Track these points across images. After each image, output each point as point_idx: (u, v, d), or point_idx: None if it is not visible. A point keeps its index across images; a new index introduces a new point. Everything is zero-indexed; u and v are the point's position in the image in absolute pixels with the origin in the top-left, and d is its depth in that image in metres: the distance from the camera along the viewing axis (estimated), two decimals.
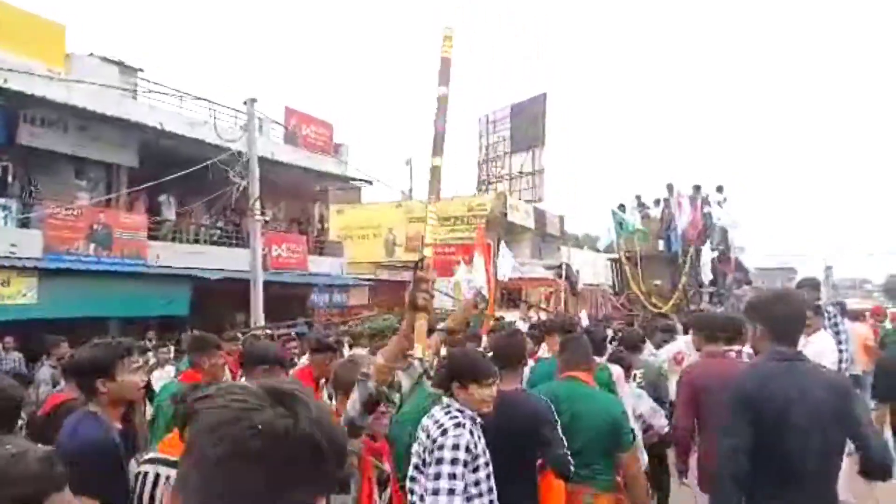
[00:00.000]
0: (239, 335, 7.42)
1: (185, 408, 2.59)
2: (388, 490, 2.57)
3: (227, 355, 4.75)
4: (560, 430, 2.96)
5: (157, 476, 2.49)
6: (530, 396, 3.18)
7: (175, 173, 12.33)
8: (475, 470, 2.49)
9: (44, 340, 8.24)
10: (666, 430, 4.42)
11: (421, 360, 2.42)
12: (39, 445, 1.40)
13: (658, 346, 6.34)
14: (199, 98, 14.96)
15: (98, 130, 13.72)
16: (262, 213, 12.42)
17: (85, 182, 14.37)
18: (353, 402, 2.16)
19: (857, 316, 9.85)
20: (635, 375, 4.85)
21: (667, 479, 4.96)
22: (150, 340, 9.62)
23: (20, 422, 3.27)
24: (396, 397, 2.18)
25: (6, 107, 12.17)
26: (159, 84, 14.98)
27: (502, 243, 13.10)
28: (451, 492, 2.39)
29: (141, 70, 15.22)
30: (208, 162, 12.27)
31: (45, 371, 7.57)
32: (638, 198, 18.39)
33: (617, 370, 4.36)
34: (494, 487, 2.55)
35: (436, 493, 2.40)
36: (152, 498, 2.43)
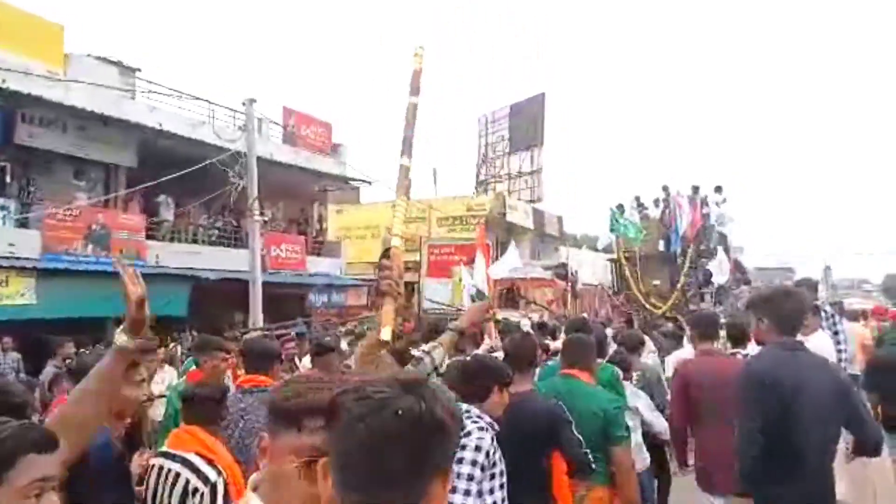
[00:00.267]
0: (238, 335, 7.44)
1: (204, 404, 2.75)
2: None
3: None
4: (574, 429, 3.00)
5: (161, 468, 2.53)
6: (543, 398, 3.21)
7: (173, 173, 12.32)
8: (491, 477, 2.49)
9: (48, 341, 8.24)
10: (665, 436, 4.45)
11: (430, 355, 2.51)
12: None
13: (667, 353, 6.36)
14: (197, 98, 14.96)
15: (96, 131, 13.70)
16: (261, 214, 12.41)
17: (83, 182, 14.36)
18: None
19: (855, 316, 9.86)
20: (632, 377, 4.87)
21: (666, 476, 4.98)
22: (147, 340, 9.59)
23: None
24: None
25: (4, 107, 12.17)
26: (158, 84, 14.98)
27: (511, 244, 13.12)
28: (467, 493, 2.39)
29: (139, 70, 15.21)
30: (207, 162, 12.26)
31: (49, 371, 7.57)
32: (637, 198, 18.40)
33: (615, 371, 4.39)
34: (507, 498, 2.55)
35: (452, 491, 2.38)
36: (156, 489, 2.47)
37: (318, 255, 19.09)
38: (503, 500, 2.53)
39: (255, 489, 1.24)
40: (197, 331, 11.80)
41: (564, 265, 18.43)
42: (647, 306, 15.61)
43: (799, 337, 4.70)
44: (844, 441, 3.13)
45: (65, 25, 13.22)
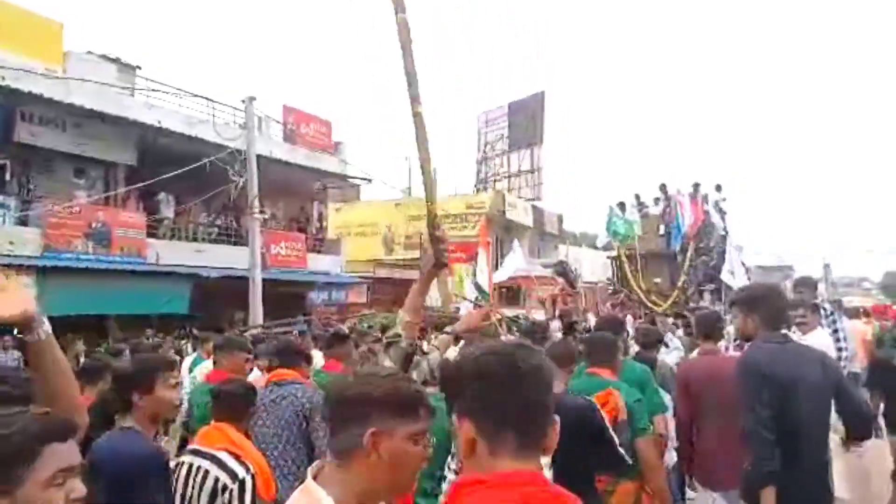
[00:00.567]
0: (238, 333, 7.48)
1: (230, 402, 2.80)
2: None
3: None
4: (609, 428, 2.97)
5: (191, 466, 2.56)
6: (577, 398, 3.19)
7: (173, 171, 12.32)
8: None
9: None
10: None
11: (427, 359, 2.50)
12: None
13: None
14: (197, 96, 14.94)
15: (96, 129, 13.70)
16: (262, 212, 12.41)
17: (83, 180, 14.36)
18: (391, 363, 2.17)
19: (854, 313, 9.88)
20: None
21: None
22: (148, 339, 9.63)
23: None
24: None
25: (4, 105, 12.16)
26: (157, 82, 14.97)
27: (515, 242, 13.13)
28: None
29: (139, 68, 15.22)
30: (207, 160, 12.26)
31: None
32: (637, 197, 18.40)
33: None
34: None
35: None
36: (185, 487, 2.51)
37: (319, 252, 19.10)
38: None
39: (314, 477, 1.34)
40: (197, 329, 11.81)
41: (564, 263, 18.45)
42: (648, 304, 15.62)
43: (798, 335, 4.77)
44: (836, 433, 3.24)
45: (64, 23, 13.21)
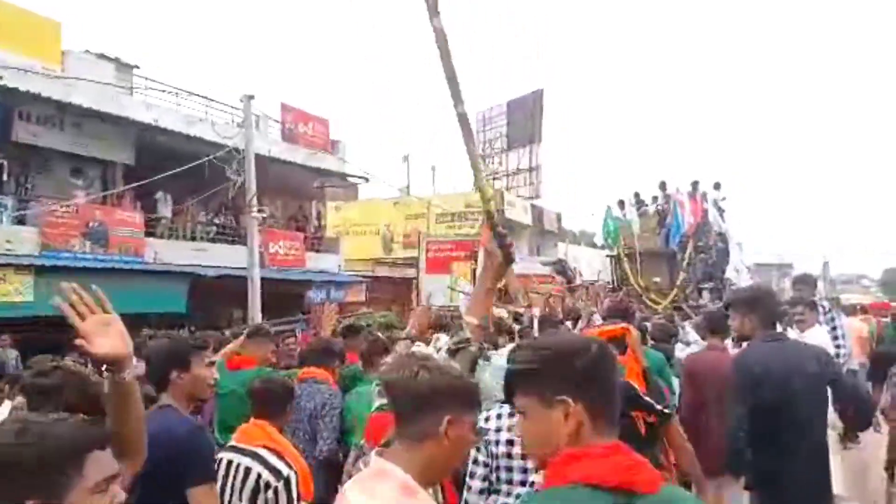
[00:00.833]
0: (239, 332, 7.47)
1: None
2: None
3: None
4: None
5: (230, 463, 2.56)
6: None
7: (171, 170, 12.31)
8: None
9: (47, 339, 8.24)
10: None
11: (477, 343, 2.47)
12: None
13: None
14: (195, 95, 14.95)
15: (94, 127, 13.68)
16: (260, 210, 12.39)
17: (81, 179, 14.34)
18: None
19: (852, 310, 9.89)
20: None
21: None
22: (148, 338, 9.61)
23: None
24: None
25: (1, 104, 12.13)
26: (155, 81, 14.96)
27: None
28: None
29: (137, 67, 15.20)
30: (205, 159, 12.24)
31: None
32: (637, 195, 18.39)
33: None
34: None
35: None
36: (224, 484, 2.50)
37: (317, 251, 19.09)
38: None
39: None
40: (196, 328, 11.81)
41: (563, 261, 18.45)
42: (648, 302, 15.62)
43: (797, 332, 4.79)
44: (834, 429, 3.33)
45: (62, 22, 13.19)
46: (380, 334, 5.82)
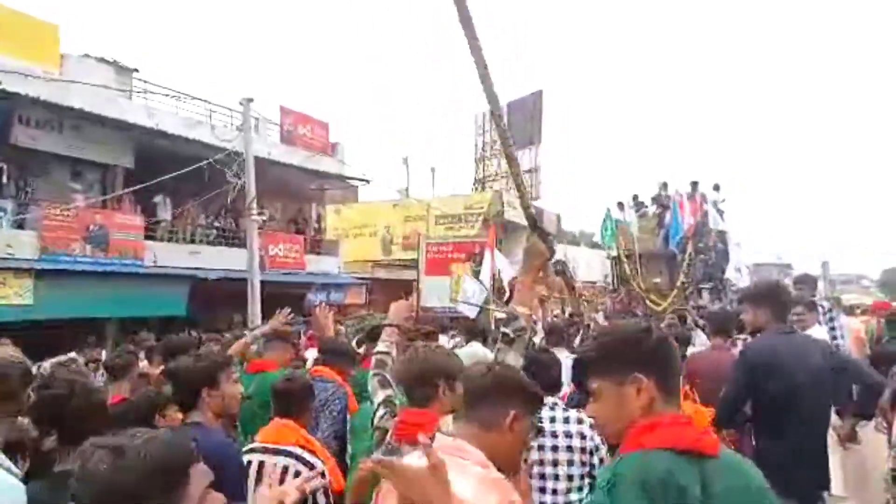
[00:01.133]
0: (239, 335, 7.50)
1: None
2: None
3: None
4: None
5: (262, 464, 2.59)
6: None
7: (171, 174, 12.31)
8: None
9: (47, 342, 8.25)
10: None
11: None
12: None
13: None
14: (194, 98, 14.96)
15: (93, 131, 13.68)
16: (260, 213, 12.39)
17: (80, 183, 14.34)
18: (517, 357, 2.30)
19: (850, 310, 9.88)
20: None
21: None
22: (138, 343, 9.59)
23: None
24: None
25: (0, 108, 12.14)
26: (155, 84, 14.97)
27: (490, 253, 13.14)
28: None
29: (136, 70, 15.18)
30: (204, 162, 12.25)
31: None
32: (635, 197, 18.39)
33: None
34: None
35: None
36: (258, 483, 2.52)
37: (317, 253, 19.09)
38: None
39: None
40: (196, 331, 11.80)
41: (562, 262, 18.43)
42: (648, 303, 15.62)
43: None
44: (833, 429, 3.40)
45: (60, 25, 13.20)
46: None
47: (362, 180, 21.05)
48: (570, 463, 2.74)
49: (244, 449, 2.75)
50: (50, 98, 12.22)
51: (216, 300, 14.44)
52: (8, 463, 1.62)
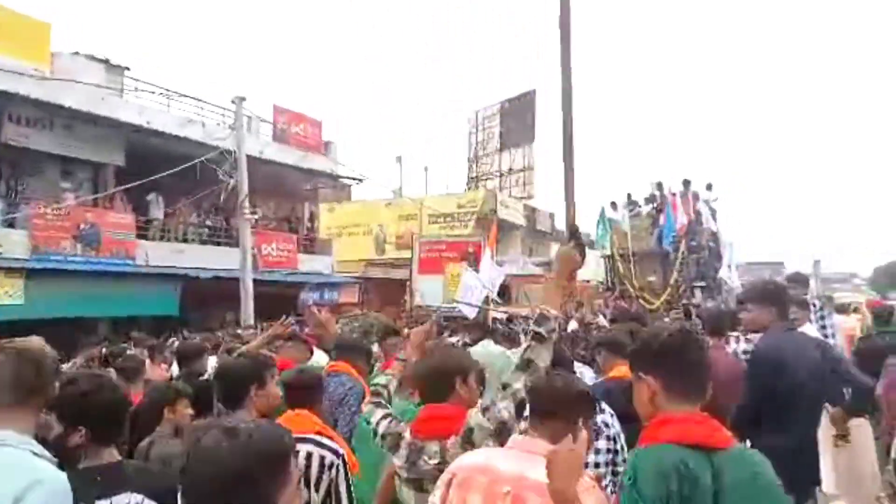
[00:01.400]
0: (236, 334, 7.54)
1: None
2: None
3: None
4: None
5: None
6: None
7: (163, 172, 12.26)
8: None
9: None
10: None
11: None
12: None
13: None
14: (186, 96, 14.90)
15: (84, 129, 13.61)
16: (252, 212, 12.36)
17: (71, 182, 14.26)
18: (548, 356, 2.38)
19: (843, 309, 9.93)
20: None
21: None
22: (133, 342, 9.56)
23: None
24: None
25: None
26: (146, 83, 14.90)
27: (486, 254, 13.19)
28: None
29: (127, 69, 15.11)
30: (196, 161, 12.20)
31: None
32: (629, 196, 18.44)
33: None
34: None
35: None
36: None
37: (310, 252, 19.05)
38: None
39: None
40: (188, 330, 11.75)
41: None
42: (642, 301, 15.66)
43: None
44: (833, 422, 3.45)
45: (51, 24, 13.11)
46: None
47: (355, 179, 21.02)
48: (597, 451, 2.90)
49: None
50: (41, 96, 12.16)
51: (208, 299, 14.39)
52: (49, 455, 1.64)
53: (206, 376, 5.00)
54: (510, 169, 26.94)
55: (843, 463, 4.26)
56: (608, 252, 17.89)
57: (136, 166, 13.60)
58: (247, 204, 11.94)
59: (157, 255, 14.22)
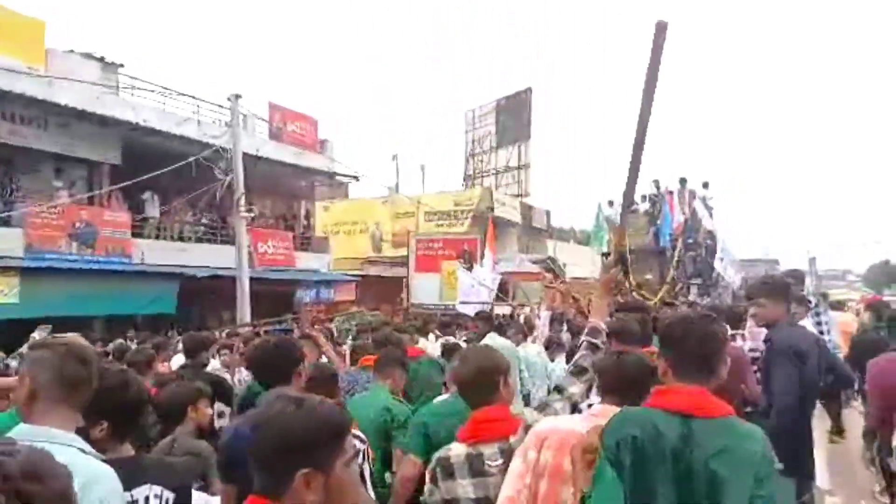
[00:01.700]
0: (235, 332, 7.55)
1: None
2: None
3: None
4: None
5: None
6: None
7: (158, 170, 12.22)
8: None
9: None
10: None
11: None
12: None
13: None
14: (182, 94, 14.84)
15: (79, 127, 13.56)
16: (248, 210, 12.32)
17: (67, 180, 14.21)
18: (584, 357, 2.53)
19: (839, 306, 9.99)
20: None
21: None
22: (131, 340, 9.54)
23: None
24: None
25: None
26: (142, 80, 14.83)
27: (488, 254, 13.23)
28: None
29: (122, 66, 15.04)
30: (192, 159, 12.16)
31: None
32: (625, 195, 18.47)
33: None
34: None
35: None
36: None
37: (306, 250, 19.03)
38: None
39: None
40: (184, 328, 11.72)
41: (552, 259, 18.50)
42: (637, 298, 15.69)
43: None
44: (821, 422, 3.50)
45: (46, 21, 13.04)
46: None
47: (352, 177, 20.98)
48: None
49: None
50: (36, 94, 12.10)
51: (205, 298, 14.37)
52: (95, 451, 1.64)
53: (208, 368, 5.10)
54: (506, 166, 26.96)
55: (837, 458, 4.29)
56: (605, 249, 17.94)
57: (132, 164, 13.56)
58: (243, 202, 11.90)
59: (153, 253, 14.19)
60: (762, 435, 1.72)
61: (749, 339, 4.47)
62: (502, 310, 12.26)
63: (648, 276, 17.03)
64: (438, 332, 8.16)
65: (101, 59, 14.36)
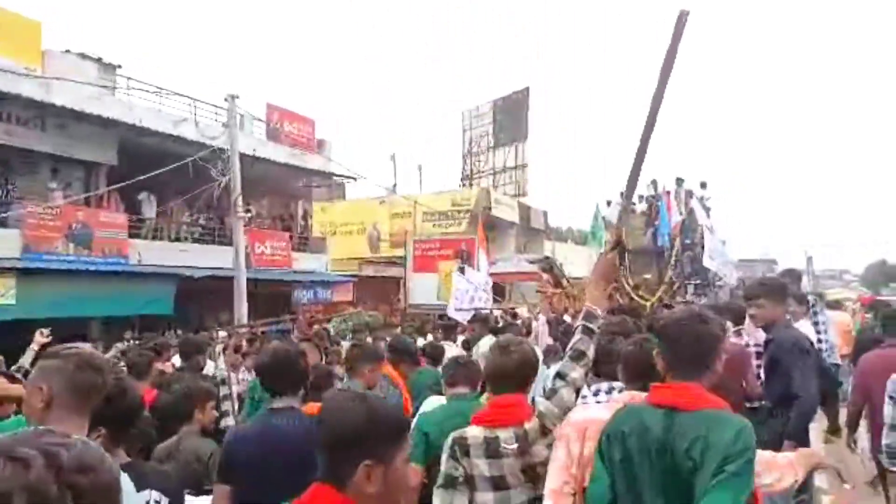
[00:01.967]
0: (231, 333, 7.57)
1: None
2: None
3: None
4: None
5: None
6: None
7: (155, 171, 12.20)
8: None
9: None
10: None
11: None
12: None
13: None
14: (179, 95, 14.81)
15: (76, 128, 13.53)
16: (246, 211, 12.31)
17: (63, 181, 14.17)
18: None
19: (836, 305, 10.01)
20: None
21: None
22: (128, 341, 9.53)
23: None
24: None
25: None
26: (138, 81, 14.82)
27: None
28: None
29: (120, 67, 15.02)
30: (189, 159, 12.14)
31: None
32: (622, 194, 18.44)
33: None
34: None
35: None
36: None
37: (303, 251, 19.01)
38: None
39: None
40: (182, 329, 11.71)
41: (549, 258, 18.48)
42: (636, 298, 15.70)
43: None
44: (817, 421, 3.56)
45: (42, 22, 13.03)
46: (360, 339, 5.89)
47: (349, 177, 20.97)
48: None
49: None
50: (32, 95, 12.07)
51: (202, 298, 14.34)
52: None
53: (204, 370, 5.09)
54: (504, 166, 26.96)
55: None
56: (603, 249, 17.95)
57: (129, 165, 13.52)
58: (240, 202, 11.89)
59: (151, 254, 14.17)
60: (741, 425, 1.76)
61: (754, 336, 4.49)
62: (498, 312, 12.27)
63: (647, 276, 17.05)
64: (439, 335, 8.15)
65: (99, 60, 14.34)
